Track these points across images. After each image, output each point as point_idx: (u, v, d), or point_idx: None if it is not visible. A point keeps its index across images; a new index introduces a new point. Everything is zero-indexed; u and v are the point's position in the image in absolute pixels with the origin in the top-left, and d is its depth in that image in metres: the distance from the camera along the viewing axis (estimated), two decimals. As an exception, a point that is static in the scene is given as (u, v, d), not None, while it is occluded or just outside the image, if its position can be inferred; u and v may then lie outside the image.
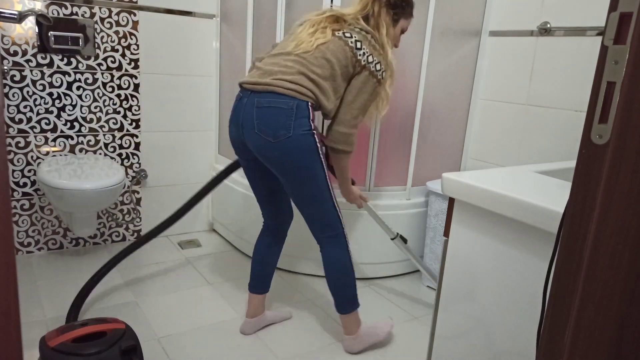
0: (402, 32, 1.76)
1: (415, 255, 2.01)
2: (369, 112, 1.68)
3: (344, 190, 1.79)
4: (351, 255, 1.69)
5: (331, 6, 2.08)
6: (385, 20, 1.65)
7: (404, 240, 1.99)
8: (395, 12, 1.68)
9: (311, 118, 1.53)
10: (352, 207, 2.25)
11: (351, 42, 1.57)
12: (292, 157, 1.53)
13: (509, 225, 1.00)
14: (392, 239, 1.96)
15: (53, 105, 2.26)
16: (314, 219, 1.65)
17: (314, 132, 1.54)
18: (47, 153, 2.30)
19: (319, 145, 1.55)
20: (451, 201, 1.13)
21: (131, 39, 2.38)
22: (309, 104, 1.53)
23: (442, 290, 1.17)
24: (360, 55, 1.57)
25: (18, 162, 2.24)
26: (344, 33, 1.58)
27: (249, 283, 1.84)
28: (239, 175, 2.51)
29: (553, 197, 0.96)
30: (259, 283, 1.83)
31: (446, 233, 1.15)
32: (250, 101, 1.54)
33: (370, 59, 1.59)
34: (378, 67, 1.60)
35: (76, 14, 2.23)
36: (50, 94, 2.25)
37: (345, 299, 1.69)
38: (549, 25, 2.06)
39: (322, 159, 1.57)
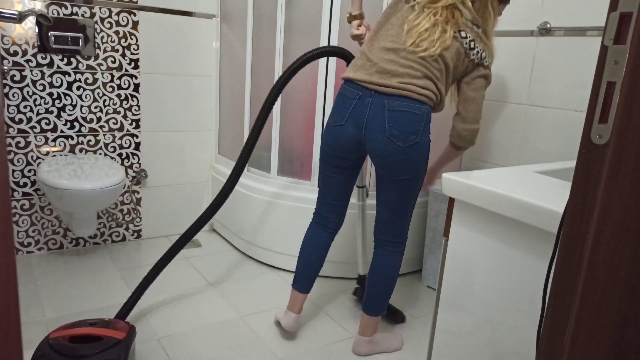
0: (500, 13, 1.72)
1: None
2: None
3: (438, 175, 1.81)
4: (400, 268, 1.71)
5: (331, 7, 2.08)
6: (494, 8, 1.60)
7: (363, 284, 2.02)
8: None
9: (429, 123, 1.53)
10: (350, 208, 2.25)
11: (465, 43, 1.53)
12: (413, 163, 1.53)
13: (509, 225, 1.00)
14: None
15: (53, 105, 2.26)
16: (393, 223, 1.64)
17: (429, 136, 1.55)
18: (47, 153, 2.30)
19: (429, 153, 1.56)
20: (451, 201, 1.13)
21: (131, 39, 2.38)
22: (430, 109, 1.53)
23: (442, 290, 1.17)
24: (473, 55, 1.55)
25: (18, 162, 2.24)
26: (459, 32, 1.52)
27: (299, 282, 1.79)
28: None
29: (553, 197, 0.96)
30: (310, 281, 1.80)
31: (446, 233, 1.15)
32: (377, 102, 1.49)
33: (482, 55, 1.57)
34: (488, 60, 1.60)
35: (76, 14, 2.23)
36: (50, 94, 2.25)
37: (379, 303, 1.70)
38: (549, 25, 2.06)
39: (427, 166, 1.59)
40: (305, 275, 1.78)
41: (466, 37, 1.53)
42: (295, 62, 1.79)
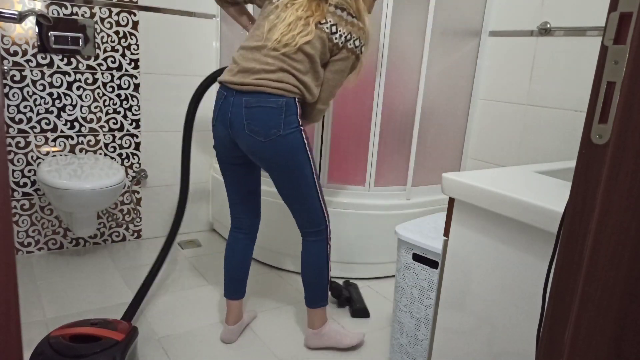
0: None
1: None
2: (350, 77, 1.70)
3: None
4: (329, 252, 1.71)
5: None
6: None
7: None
8: None
9: (299, 114, 1.55)
10: (350, 208, 2.25)
11: (327, 28, 1.55)
12: (283, 156, 1.54)
13: (509, 225, 1.00)
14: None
15: (53, 105, 2.26)
16: (301, 214, 1.66)
17: (301, 127, 1.55)
18: (47, 153, 2.30)
19: (305, 140, 1.56)
20: (451, 201, 1.13)
21: (131, 39, 2.38)
22: (296, 99, 1.54)
23: (442, 290, 1.17)
24: (336, 38, 1.56)
25: (18, 162, 2.24)
26: (320, 22, 1.55)
27: (228, 290, 1.78)
28: (239, 175, 2.51)
29: (553, 197, 0.96)
30: (240, 287, 1.78)
31: (446, 233, 1.15)
32: (238, 101, 1.53)
33: (348, 37, 1.57)
34: (357, 43, 1.59)
35: (76, 14, 2.23)
36: (50, 94, 2.25)
37: (316, 294, 1.71)
38: (549, 25, 2.06)
39: (310, 154, 1.58)
40: (233, 283, 1.77)
41: (326, 23, 1.55)
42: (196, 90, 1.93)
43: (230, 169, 1.70)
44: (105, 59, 2.34)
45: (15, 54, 2.14)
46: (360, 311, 2.01)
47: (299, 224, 1.69)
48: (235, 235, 1.79)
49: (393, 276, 2.41)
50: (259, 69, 1.52)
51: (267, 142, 1.52)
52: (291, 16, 1.54)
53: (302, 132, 1.55)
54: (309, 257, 1.69)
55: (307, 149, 1.57)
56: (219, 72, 1.91)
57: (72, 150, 2.35)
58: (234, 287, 1.77)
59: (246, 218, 1.78)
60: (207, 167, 2.77)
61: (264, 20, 1.59)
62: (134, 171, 2.54)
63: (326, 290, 1.72)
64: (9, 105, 2.17)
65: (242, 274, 1.78)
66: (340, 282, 2.22)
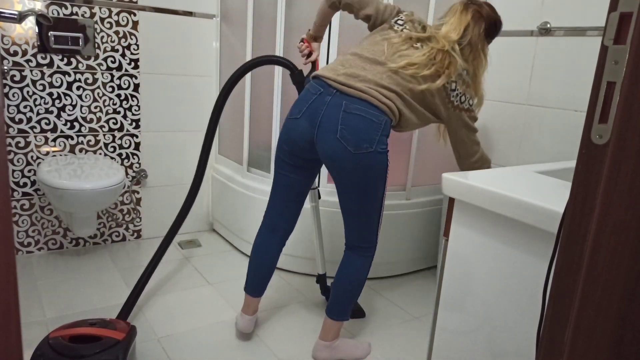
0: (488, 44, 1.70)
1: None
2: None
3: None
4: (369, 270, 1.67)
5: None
6: (483, 51, 1.60)
7: (322, 283, 2.06)
8: (489, 40, 1.65)
9: (387, 136, 1.50)
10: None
11: (447, 84, 1.53)
12: (365, 172, 1.47)
13: (509, 225, 1.00)
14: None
15: (53, 105, 2.26)
16: (357, 229, 1.59)
17: (388, 150, 1.50)
18: (47, 153, 2.30)
19: (387, 165, 1.51)
20: (451, 201, 1.13)
21: (131, 39, 2.38)
22: (392, 122, 1.50)
23: (442, 290, 1.17)
24: (453, 96, 1.54)
25: (18, 162, 2.24)
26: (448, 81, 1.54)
27: (251, 286, 1.76)
28: (239, 176, 2.51)
29: (553, 197, 0.96)
30: (263, 286, 1.77)
31: (446, 233, 1.15)
32: (336, 102, 1.45)
33: (463, 98, 1.57)
34: (470, 102, 1.59)
35: (76, 14, 2.23)
36: (50, 94, 2.25)
37: (343, 307, 1.65)
38: (549, 25, 2.06)
39: (387, 178, 1.54)
40: (257, 281, 1.75)
41: (454, 90, 1.55)
42: (238, 69, 1.86)
43: (288, 169, 1.62)
44: (105, 59, 2.34)
45: (15, 54, 2.14)
46: (356, 312, 2.01)
47: (350, 236, 1.62)
48: (269, 238, 1.73)
49: (393, 276, 2.41)
50: (370, 78, 1.46)
51: (356, 154, 1.44)
52: (423, 56, 1.50)
53: (387, 155, 1.50)
54: (350, 269, 1.63)
55: (387, 172, 1.53)
56: (253, 62, 1.85)
57: (72, 150, 2.35)
58: (257, 286, 1.76)
59: (285, 223, 1.72)
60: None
61: (383, 40, 1.54)
62: (134, 171, 2.54)
63: (352, 306, 1.67)
64: (9, 105, 2.17)
65: (268, 274, 1.76)
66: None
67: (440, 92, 1.53)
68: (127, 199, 2.55)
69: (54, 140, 2.30)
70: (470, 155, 1.64)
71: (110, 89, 2.38)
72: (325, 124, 1.46)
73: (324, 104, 1.47)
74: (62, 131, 2.31)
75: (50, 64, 2.22)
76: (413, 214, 2.34)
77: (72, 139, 2.34)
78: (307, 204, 2.30)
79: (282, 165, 1.63)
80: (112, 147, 2.45)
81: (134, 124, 2.48)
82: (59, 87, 2.26)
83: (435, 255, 2.54)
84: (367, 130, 1.43)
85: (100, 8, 2.27)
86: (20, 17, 2.04)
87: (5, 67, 2.13)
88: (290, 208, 1.70)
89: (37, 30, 2.16)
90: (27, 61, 2.17)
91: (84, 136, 2.37)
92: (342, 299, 1.64)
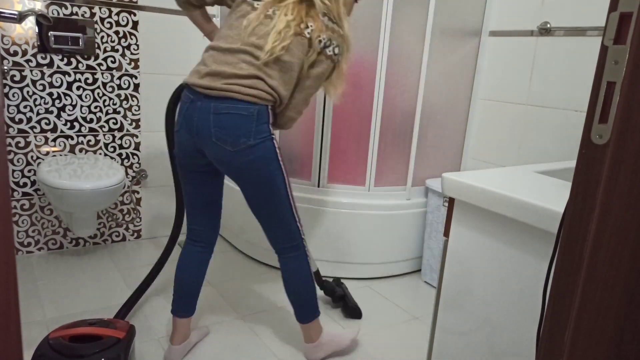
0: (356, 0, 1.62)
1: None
2: (327, 89, 1.61)
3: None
4: (310, 264, 1.63)
5: None
6: None
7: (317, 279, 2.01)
8: None
9: (271, 122, 1.46)
10: (350, 208, 2.25)
11: (307, 33, 1.45)
12: (253, 166, 1.44)
13: (509, 225, 1.00)
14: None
15: (53, 105, 2.26)
16: (273, 229, 1.56)
17: (273, 136, 1.47)
18: (47, 153, 2.30)
19: (278, 151, 1.48)
20: (451, 201, 1.13)
21: (131, 39, 2.38)
22: (269, 107, 1.45)
23: (442, 290, 1.17)
24: (316, 44, 1.47)
25: (18, 162, 2.24)
26: (300, 24, 1.45)
27: (177, 306, 1.64)
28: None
29: (553, 197, 0.96)
30: (190, 304, 1.66)
31: (446, 233, 1.15)
32: (205, 106, 1.42)
33: (327, 43, 1.48)
34: (336, 50, 1.50)
35: (76, 14, 2.23)
36: (50, 94, 2.25)
37: (305, 309, 1.64)
38: (549, 25, 2.06)
39: (282, 164, 1.50)
40: (182, 298, 1.64)
41: (307, 27, 1.45)
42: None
43: (192, 177, 1.58)
44: (105, 59, 2.34)
45: (15, 54, 2.14)
46: (353, 310, 2.00)
47: (274, 241, 1.59)
48: (192, 248, 1.66)
49: (393, 276, 2.41)
50: (230, 73, 1.42)
51: (236, 152, 1.42)
52: (281, 22, 1.43)
53: (274, 141, 1.47)
54: (293, 274, 1.60)
55: (280, 158, 1.48)
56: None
57: (72, 150, 2.35)
58: (184, 304, 1.64)
59: (205, 230, 1.65)
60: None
61: (238, 20, 1.48)
62: (134, 171, 2.54)
63: (315, 301, 1.65)
64: (9, 105, 2.17)
65: (195, 290, 1.66)
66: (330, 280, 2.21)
67: (302, 44, 1.45)
68: (127, 199, 2.55)
69: (54, 140, 2.30)
70: (297, 110, 1.55)
71: (110, 89, 2.38)
72: (201, 130, 1.43)
73: (196, 110, 1.44)
74: (62, 131, 2.31)
75: (50, 64, 2.22)
76: (413, 214, 2.34)
77: (72, 139, 2.34)
78: (306, 204, 2.30)
79: (184, 174, 1.59)
80: (112, 147, 2.45)
81: (134, 124, 2.48)
82: (59, 87, 2.26)
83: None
84: (240, 126, 1.41)
85: (100, 8, 2.27)
86: (20, 17, 2.04)
87: (5, 67, 2.13)
88: (207, 214, 1.64)
89: (37, 30, 2.16)
90: (27, 61, 2.17)
91: (84, 136, 2.37)
92: (300, 303, 1.63)
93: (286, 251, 1.59)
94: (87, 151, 2.39)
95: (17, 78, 2.17)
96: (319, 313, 1.67)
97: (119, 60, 2.37)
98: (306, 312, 1.64)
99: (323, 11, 1.48)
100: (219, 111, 1.41)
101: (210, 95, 1.42)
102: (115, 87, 2.39)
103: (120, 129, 2.45)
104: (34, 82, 2.20)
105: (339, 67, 1.56)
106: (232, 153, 1.42)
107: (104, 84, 2.36)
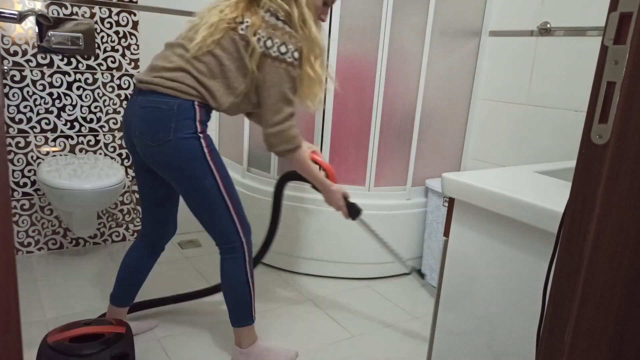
0: (326, 3, 1.51)
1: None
2: (304, 97, 1.51)
3: (324, 196, 1.71)
4: (249, 269, 1.55)
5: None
6: None
7: (421, 275, 1.95)
8: None
9: (198, 119, 1.39)
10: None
11: (241, 30, 1.38)
12: (174, 164, 1.39)
13: (509, 225, 1.00)
14: (408, 273, 1.84)
15: (53, 105, 2.26)
16: (209, 228, 1.52)
17: (201, 135, 1.40)
18: (47, 153, 2.30)
19: (207, 149, 1.41)
20: (451, 201, 1.13)
21: (131, 39, 2.38)
22: (195, 103, 1.39)
23: (442, 290, 1.17)
24: (254, 42, 1.38)
25: (18, 162, 2.24)
26: (236, 19, 1.39)
27: (113, 294, 1.66)
28: (239, 176, 2.51)
29: (553, 197, 0.96)
30: (125, 296, 1.66)
31: (446, 233, 1.15)
32: (135, 100, 1.42)
33: (268, 43, 1.38)
34: (283, 49, 1.38)
35: (76, 14, 2.23)
36: (50, 94, 2.25)
37: (237, 314, 1.58)
38: (549, 25, 2.06)
39: (212, 165, 1.43)
40: (120, 288, 1.65)
41: (242, 23, 1.38)
42: None
43: (139, 175, 1.56)
44: (105, 59, 2.34)
45: (15, 54, 2.14)
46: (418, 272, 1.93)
47: (213, 238, 1.54)
48: (139, 242, 1.65)
49: (393, 276, 2.41)
50: (160, 66, 1.40)
51: (155, 146, 1.37)
52: (214, 16, 1.39)
53: (201, 140, 1.40)
54: (226, 276, 1.54)
55: (208, 158, 1.41)
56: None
57: (72, 150, 2.35)
58: (119, 293, 1.65)
59: (153, 230, 1.62)
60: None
61: (193, 18, 1.48)
62: (134, 171, 2.54)
63: (250, 308, 1.58)
64: (9, 105, 2.17)
65: (131, 283, 1.65)
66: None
67: (235, 41, 1.39)
68: (127, 199, 2.55)
69: (54, 140, 2.30)
70: (269, 123, 1.45)
71: (110, 89, 2.38)
72: (130, 124, 1.43)
73: (130, 104, 1.45)
74: (62, 131, 2.31)
75: (50, 64, 2.22)
76: (413, 214, 2.34)
77: (72, 139, 2.34)
78: (306, 203, 2.30)
79: (135, 172, 1.59)
80: (112, 147, 2.45)
81: (134, 124, 2.48)
82: (59, 87, 2.26)
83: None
84: (159, 120, 1.36)
85: (100, 8, 2.27)
86: (20, 17, 2.04)
87: (5, 67, 2.13)
88: (155, 212, 1.61)
89: (37, 30, 2.16)
90: (27, 61, 2.17)
91: (84, 136, 2.37)
92: (232, 306, 1.58)
93: (224, 251, 1.54)
94: (87, 151, 2.39)
95: (17, 78, 2.17)
96: (252, 322, 1.60)
97: (119, 60, 2.37)
98: (237, 316, 1.59)
99: (268, 8, 1.40)
100: (143, 104, 1.39)
101: (140, 88, 1.42)
102: (116, 87, 2.39)
103: (121, 129, 2.45)
104: (34, 82, 2.20)
105: (304, 74, 1.46)
106: (152, 148, 1.38)
107: (104, 84, 2.36)
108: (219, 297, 2.08)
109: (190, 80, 1.38)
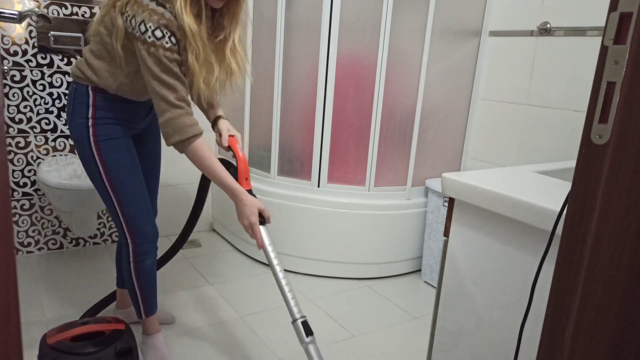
0: None
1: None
2: (192, 85, 1.37)
3: (236, 207, 1.47)
4: (133, 272, 1.52)
5: (331, 7, 2.08)
6: None
7: (307, 331, 1.45)
8: None
9: (92, 104, 1.38)
10: (350, 208, 2.25)
11: (118, 5, 1.31)
12: (74, 143, 1.45)
13: (509, 225, 1.00)
14: (292, 322, 1.45)
15: (53, 105, 2.26)
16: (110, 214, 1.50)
17: (92, 120, 1.38)
18: (47, 153, 2.30)
19: (93, 138, 1.39)
20: (451, 201, 1.13)
21: (131, 39, 2.38)
22: (89, 87, 1.38)
23: (442, 290, 1.17)
24: (120, 20, 1.30)
25: (18, 162, 2.24)
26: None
27: (118, 277, 1.79)
28: (239, 175, 2.51)
29: (553, 197, 0.96)
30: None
31: (446, 233, 1.15)
32: None
33: (132, 22, 1.28)
34: (142, 28, 1.27)
35: (76, 14, 2.23)
36: (50, 94, 2.25)
37: (135, 305, 1.59)
38: (549, 25, 2.06)
39: (96, 154, 1.40)
40: (118, 271, 1.78)
41: (119, 0, 1.32)
42: None
43: None
44: (105, 59, 2.33)
45: (15, 54, 2.14)
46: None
47: None
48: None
49: (393, 276, 2.41)
50: None
51: (68, 128, 1.45)
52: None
53: (89, 127, 1.38)
54: (122, 266, 1.55)
55: (93, 147, 1.39)
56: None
57: (72, 150, 2.35)
58: (119, 276, 1.79)
59: None
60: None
61: None
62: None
63: (137, 305, 1.57)
64: (9, 105, 2.17)
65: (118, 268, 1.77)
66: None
67: (113, 18, 1.32)
68: (127, 199, 2.55)
69: (54, 140, 2.30)
70: (161, 109, 1.32)
71: (110, 89, 2.38)
72: None
73: None
74: (62, 131, 2.31)
75: (50, 64, 2.22)
76: (413, 214, 2.34)
77: (72, 139, 2.34)
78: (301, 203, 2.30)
79: None
80: (112, 147, 2.44)
81: (134, 124, 2.48)
82: (59, 87, 2.26)
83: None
84: (68, 103, 1.44)
85: (100, 8, 2.27)
86: (20, 17, 2.04)
87: (5, 67, 2.13)
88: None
89: (37, 31, 2.16)
90: (27, 61, 2.17)
91: (84, 136, 2.37)
92: (131, 297, 1.58)
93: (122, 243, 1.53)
94: (87, 151, 2.39)
95: (17, 78, 2.17)
96: (142, 317, 1.59)
97: (119, 60, 2.37)
98: (135, 307, 1.60)
99: None
100: None
101: None
102: (115, 87, 2.39)
103: (120, 129, 2.45)
104: (34, 82, 2.20)
105: (187, 60, 1.33)
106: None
107: (104, 84, 2.36)
108: (219, 296, 2.09)
109: (81, 64, 1.42)
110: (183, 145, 1.35)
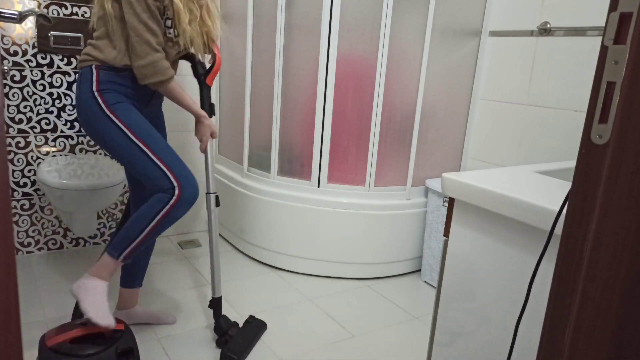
0: None
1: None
2: (184, 27, 1.54)
3: (195, 126, 1.73)
4: (168, 216, 1.48)
5: (331, 7, 2.09)
6: None
7: (216, 308, 1.77)
8: None
9: (95, 79, 1.49)
10: (350, 208, 2.25)
11: None
12: (85, 125, 1.52)
13: (509, 225, 1.00)
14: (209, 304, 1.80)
15: (53, 105, 2.26)
16: (140, 175, 1.52)
17: (97, 92, 1.48)
18: (47, 153, 2.30)
19: (104, 105, 1.47)
20: (451, 201, 1.13)
21: (131, 39, 2.38)
22: (93, 66, 1.50)
23: (442, 290, 1.17)
24: None
25: (18, 162, 2.24)
26: None
27: (122, 276, 1.79)
28: (239, 176, 2.51)
29: (553, 197, 0.96)
30: (129, 276, 1.77)
31: (446, 233, 1.15)
32: None
33: None
34: None
35: (76, 14, 2.23)
36: (50, 94, 2.25)
37: (117, 241, 1.49)
38: (549, 25, 2.06)
39: (114, 117, 1.48)
40: (123, 270, 1.78)
41: None
42: None
43: None
44: (105, 59, 2.34)
45: (15, 54, 2.14)
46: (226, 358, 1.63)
47: (147, 185, 1.54)
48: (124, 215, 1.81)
49: (393, 276, 2.41)
50: None
51: (76, 110, 1.54)
52: None
53: (99, 97, 1.48)
54: (143, 206, 1.51)
55: (107, 111, 1.48)
56: None
57: (72, 150, 2.35)
58: (124, 274, 1.80)
59: (132, 208, 1.74)
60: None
61: None
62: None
63: (127, 245, 1.48)
64: (9, 105, 2.17)
65: (134, 264, 1.77)
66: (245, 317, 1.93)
67: None
68: (127, 199, 2.55)
69: (54, 140, 2.30)
70: (138, 55, 1.47)
71: (110, 89, 2.38)
72: None
73: None
74: (62, 131, 2.31)
75: (50, 64, 2.22)
76: (413, 214, 2.34)
77: (72, 139, 2.34)
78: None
79: None
80: (112, 147, 2.45)
81: (134, 124, 2.48)
82: (59, 87, 2.26)
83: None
84: (75, 89, 1.57)
85: (100, 8, 2.27)
86: (20, 17, 2.04)
87: (5, 67, 2.13)
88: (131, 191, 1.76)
89: (37, 31, 2.16)
90: (27, 61, 2.17)
91: (84, 136, 2.37)
92: (122, 232, 1.50)
93: (155, 190, 1.51)
94: (87, 151, 2.39)
95: (17, 78, 2.17)
96: (116, 257, 1.49)
97: (119, 60, 2.37)
98: (115, 242, 1.49)
99: None
100: None
101: None
102: (115, 87, 2.39)
103: (120, 129, 2.45)
104: (34, 82, 2.20)
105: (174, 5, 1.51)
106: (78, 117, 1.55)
107: (104, 84, 2.36)
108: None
109: (86, 49, 1.53)
110: (163, 84, 1.54)
